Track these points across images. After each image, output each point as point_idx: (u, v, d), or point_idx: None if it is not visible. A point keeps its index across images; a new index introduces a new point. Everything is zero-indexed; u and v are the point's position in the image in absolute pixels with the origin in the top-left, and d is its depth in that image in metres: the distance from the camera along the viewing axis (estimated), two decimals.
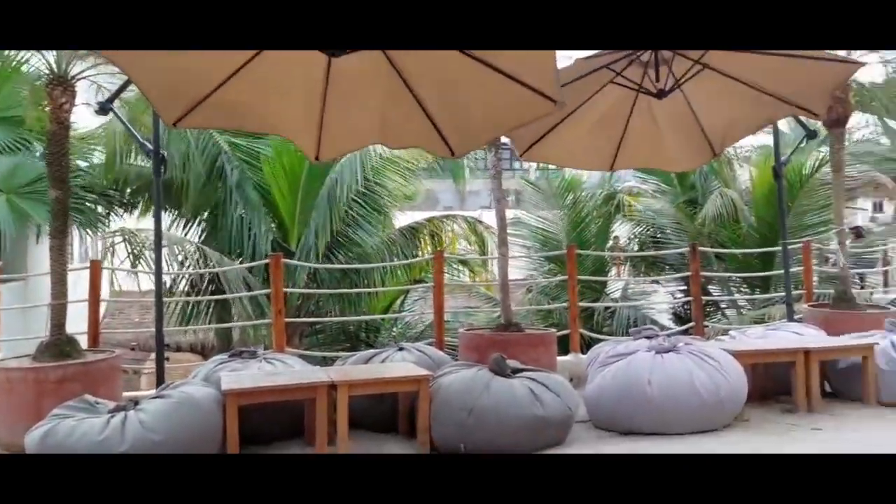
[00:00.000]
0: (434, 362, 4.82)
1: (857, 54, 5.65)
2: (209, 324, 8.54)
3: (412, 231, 9.47)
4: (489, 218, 8.39)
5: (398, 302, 9.66)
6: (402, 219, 10.38)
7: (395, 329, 9.38)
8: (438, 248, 8.84)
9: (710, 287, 10.03)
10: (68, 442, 3.46)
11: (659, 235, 10.52)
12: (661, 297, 10.46)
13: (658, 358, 4.48)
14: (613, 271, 11.89)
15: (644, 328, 5.24)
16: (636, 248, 10.88)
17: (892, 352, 4.92)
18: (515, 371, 4.34)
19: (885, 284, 10.13)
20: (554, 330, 5.72)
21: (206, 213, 9.15)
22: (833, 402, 4.98)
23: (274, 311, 5.31)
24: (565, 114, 5.00)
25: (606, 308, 9.05)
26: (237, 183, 8.60)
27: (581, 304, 8.28)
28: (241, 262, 8.48)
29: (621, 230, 11.71)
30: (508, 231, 10.17)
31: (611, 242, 11.67)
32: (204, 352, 9.62)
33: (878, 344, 4.97)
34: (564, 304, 6.54)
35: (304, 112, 4.54)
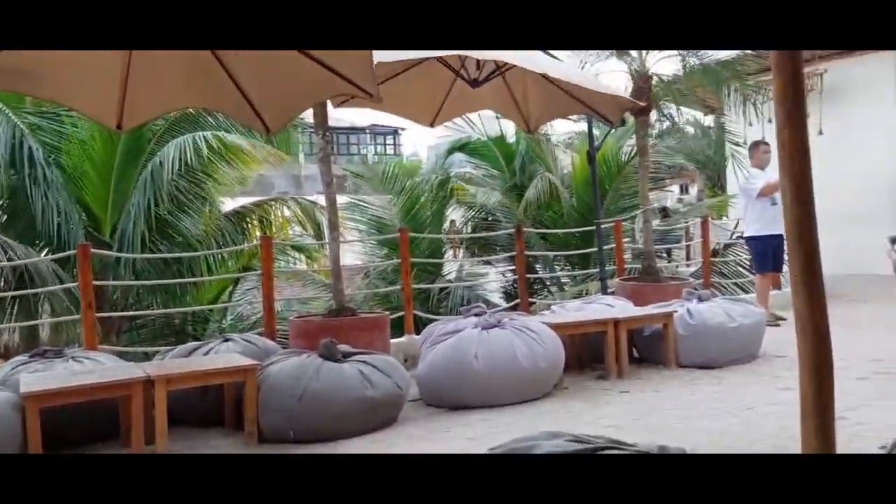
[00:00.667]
0: (262, 351, 4.70)
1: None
2: (13, 322, 7.74)
3: (239, 216, 9.10)
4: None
5: (227, 292, 9.28)
6: (232, 205, 9.96)
7: (225, 321, 9.02)
8: (267, 234, 8.58)
9: (536, 266, 10.60)
10: None
11: (490, 218, 10.95)
12: (493, 277, 10.90)
13: (484, 333, 4.67)
14: (449, 254, 12.23)
15: (473, 306, 5.43)
16: (469, 230, 11.24)
17: (689, 318, 5.47)
18: (346, 355, 4.33)
19: (688, 258, 11.20)
20: (387, 313, 5.78)
21: (1, 201, 8.24)
22: (640, 367, 5.46)
23: (83, 306, 4.91)
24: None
25: (442, 289, 9.28)
26: (40, 166, 7.80)
27: (416, 286, 8.43)
28: (47, 254, 7.74)
29: (456, 214, 12.04)
30: (345, 216, 10.14)
31: (447, 226, 11.98)
32: (7, 354, 8.70)
33: (676, 312, 5.51)
34: (400, 287, 6.61)
35: (104, 77, 4.21)
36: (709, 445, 3.41)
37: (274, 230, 9.42)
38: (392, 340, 5.84)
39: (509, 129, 11.98)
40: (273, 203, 9.79)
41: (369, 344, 4.84)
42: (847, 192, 10.73)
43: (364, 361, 4.24)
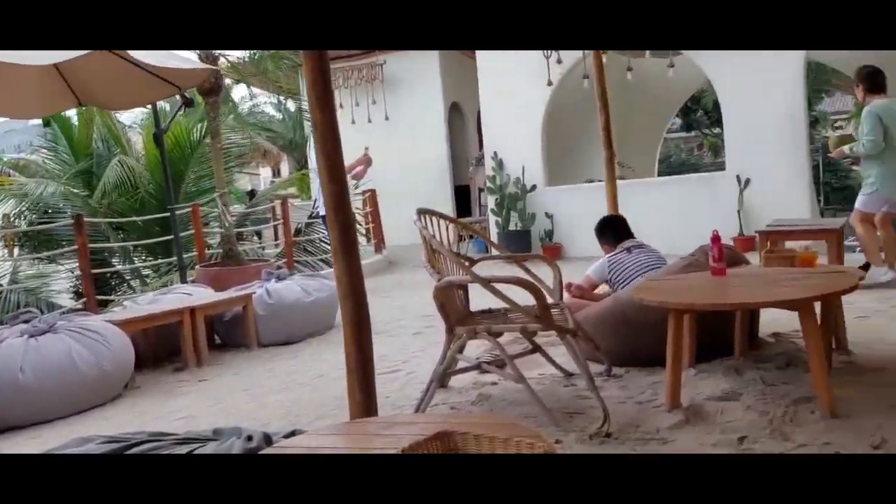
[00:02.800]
0: None
1: None
2: None
3: None
4: None
5: None
6: None
7: None
8: None
9: (114, 259, 9.68)
10: None
11: (51, 210, 9.59)
12: (62, 276, 9.62)
13: (32, 342, 4.09)
14: (3, 253, 10.41)
15: (21, 312, 4.70)
16: (23, 224, 9.70)
17: (267, 298, 5.59)
18: None
19: (276, 238, 11.43)
20: None
21: None
22: (222, 352, 5.40)
23: None
24: None
25: None
26: None
27: None
28: None
29: (6, 206, 10.26)
30: None
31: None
32: None
33: (254, 293, 5.58)
34: None
35: None
36: (279, 418, 3.52)
37: None
38: None
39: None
40: None
41: None
42: (411, 172, 12.18)
43: None
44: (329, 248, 9.33)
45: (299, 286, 5.78)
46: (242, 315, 5.43)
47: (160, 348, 5.19)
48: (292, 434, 2.35)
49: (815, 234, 5.47)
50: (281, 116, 25.77)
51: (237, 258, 6.89)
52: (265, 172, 28.97)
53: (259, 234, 12.25)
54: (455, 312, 3.33)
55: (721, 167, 10.04)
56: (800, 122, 8.22)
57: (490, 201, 9.85)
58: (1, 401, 3.84)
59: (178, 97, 6.44)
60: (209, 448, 1.86)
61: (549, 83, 9.11)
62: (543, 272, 3.69)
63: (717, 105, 9.90)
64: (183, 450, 1.84)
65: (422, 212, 3.39)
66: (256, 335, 5.46)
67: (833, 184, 23.08)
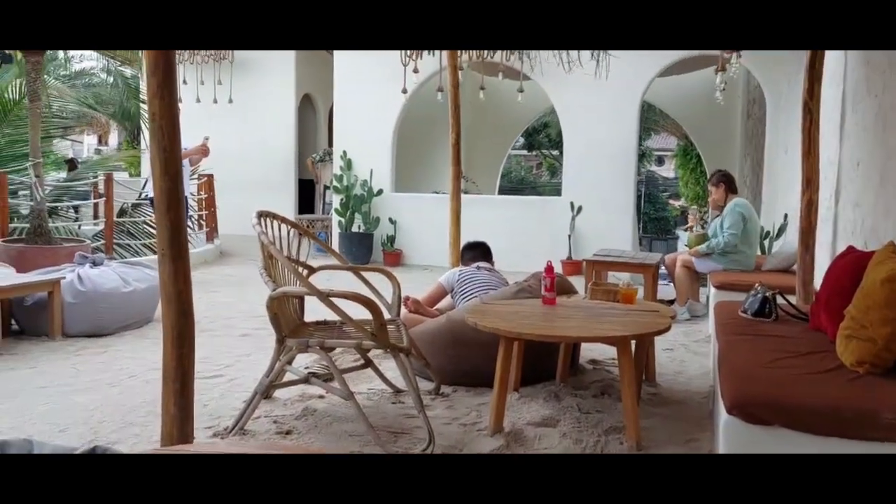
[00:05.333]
0: None
1: None
2: None
3: None
4: None
5: None
6: None
7: None
8: None
9: None
10: None
11: None
12: None
13: None
14: None
15: None
16: None
17: (79, 285, 5.09)
18: None
19: (96, 216, 10.49)
20: None
21: None
22: (20, 340, 4.84)
23: None
24: None
25: None
26: None
27: None
28: None
29: None
30: None
31: None
32: None
33: (65, 278, 5.06)
34: None
35: None
36: (80, 423, 3.21)
37: None
38: None
39: None
40: None
41: None
42: (254, 161, 11.70)
43: None
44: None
45: (117, 274, 5.33)
46: (48, 301, 4.90)
47: None
48: (92, 451, 2.13)
49: (635, 267, 5.91)
50: (112, 80, 23.78)
51: (47, 236, 6.23)
52: (90, 140, 26.65)
53: (76, 209, 11.19)
54: (288, 323, 3.21)
55: (557, 188, 10.61)
56: (631, 156, 8.88)
57: (335, 200, 9.70)
58: None
59: None
60: None
61: (404, 91, 9.14)
62: (381, 283, 3.67)
63: (559, 132, 10.46)
64: None
65: (262, 214, 3.24)
66: (62, 324, 4.96)
67: (651, 214, 25.28)
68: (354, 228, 9.34)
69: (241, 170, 11.35)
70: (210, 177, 10.36)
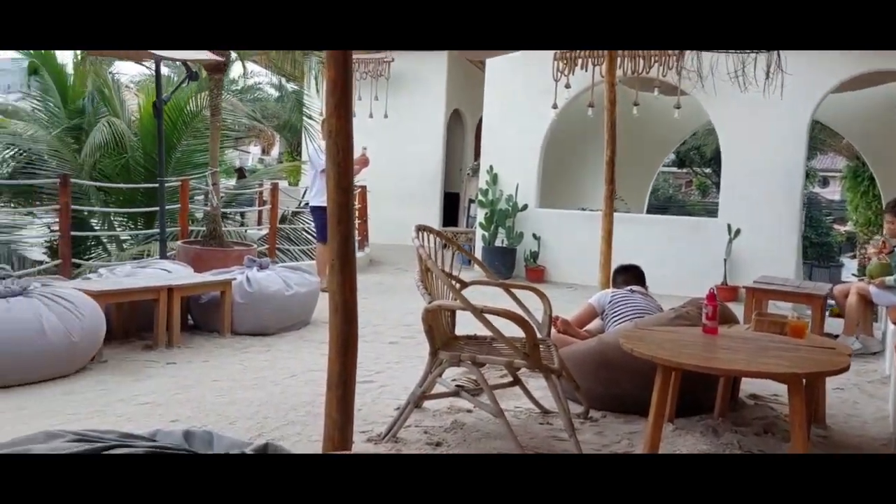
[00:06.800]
0: None
1: None
2: None
3: None
4: None
5: None
6: None
7: None
8: None
9: (93, 221, 9.48)
10: None
11: (36, 162, 9.36)
12: (37, 230, 9.39)
13: (3, 302, 3.96)
14: None
15: None
16: (6, 173, 9.45)
17: (247, 286, 5.48)
18: None
19: (259, 222, 11.28)
20: None
21: None
22: (194, 335, 5.28)
23: None
24: None
25: None
26: None
27: None
28: None
29: None
30: None
31: None
32: None
33: (235, 279, 5.47)
34: None
35: None
36: (246, 418, 3.44)
37: None
38: None
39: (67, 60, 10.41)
40: None
41: None
42: (404, 173, 12.10)
43: None
44: (313, 239, 9.15)
45: (281, 278, 5.68)
46: (220, 300, 5.32)
47: (131, 323, 5.07)
48: (264, 449, 2.28)
49: (802, 297, 5.50)
50: (277, 95, 25.47)
51: (220, 239, 6.77)
52: (255, 150, 28.67)
53: (242, 215, 12.09)
54: (440, 335, 3.28)
55: (707, 208, 10.12)
56: (797, 178, 8.30)
57: (479, 214, 9.81)
58: None
59: (181, 65, 6.31)
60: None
61: (555, 106, 9.10)
62: (531, 301, 3.65)
63: (717, 151, 9.97)
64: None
65: (420, 228, 3.33)
66: (231, 322, 5.36)
67: (812, 238, 23.42)
68: (497, 243, 9.39)
69: (390, 182, 11.76)
70: (363, 188, 10.83)
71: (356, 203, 10.71)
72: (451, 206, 12.82)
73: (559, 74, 8.95)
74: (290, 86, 19.53)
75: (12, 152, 9.63)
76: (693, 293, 4.67)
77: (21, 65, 12.85)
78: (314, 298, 5.97)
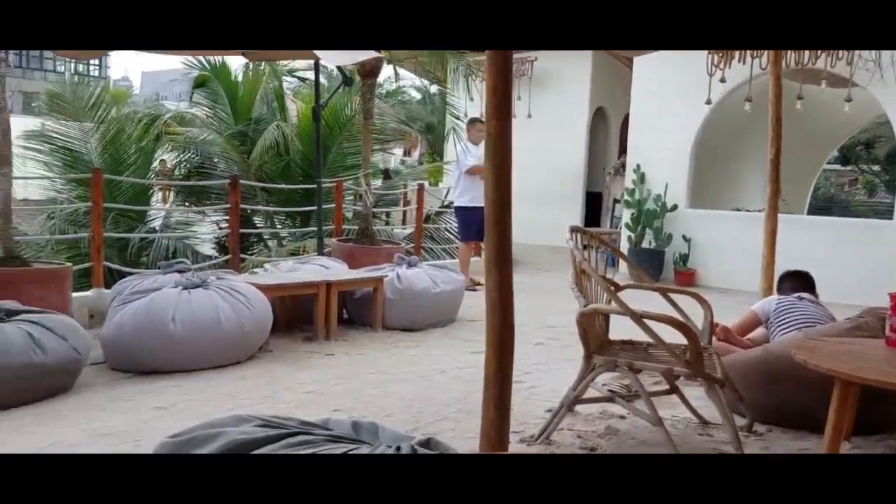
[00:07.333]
0: None
1: None
2: None
3: None
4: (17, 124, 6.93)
5: None
6: None
7: None
8: None
9: (255, 219, 10.20)
10: None
11: (207, 164, 10.22)
12: (206, 227, 10.25)
13: (185, 294, 4.35)
14: (157, 197, 11.20)
15: (175, 262, 5.02)
16: (182, 174, 10.39)
17: (397, 283, 5.67)
18: (10, 313, 3.72)
19: (404, 221, 11.65)
20: (69, 264, 5.08)
21: None
22: (348, 329, 5.54)
23: None
24: None
25: (142, 238, 8.45)
26: None
27: (112, 234, 7.58)
28: None
29: (169, 155, 11.03)
30: (27, 144, 8.68)
31: (156, 166, 10.92)
32: None
33: (387, 276, 5.68)
34: (90, 235, 5.84)
35: None
36: (401, 411, 3.56)
37: None
38: (76, 294, 5.18)
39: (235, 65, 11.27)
40: None
41: (43, 300, 4.22)
42: (544, 172, 12.02)
43: (34, 322, 3.68)
44: (454, 239, 9.24)
45: (428, 276, 5.83)
46: (372, 296, 5.54)
47: (293, 315, 5.40)
48: (427, 443, 2.34)
49: None
50: (419, 97, 26.11)
51: (372, 238, 7.05)
52: (396, 152, 29.59)
53: (387, 214, 12.53)
54: (595, 339, 3.22)
55: (876, 209, 9.25)
56: None
57: (625, 214, 9.55)
58: (151, 344, 4.11)
59: (336, 71, 6.62)
60: (363, 451, 1.88)
61: (709, 102, 8.67)
62: (688, 306, 3.50)
63: (894, 148, 9.09)
64: (337, 449, 1.86)
65: (575, 230, 3.29)
66: (382, 317, 5.57)
67: None
68: (644, 244, 9.10)
69: (532, 181, 11.70)
70: None
71: None
72: (594, 207, 12.57)
73: (713, 68, 8.52)
74: (434, 88, 19.99)
75: (187, 156, 10.58)
76: (865, 302, 4.28)
77: (189, 75, 13.94)
78: (460, 296, 6.07)
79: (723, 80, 8.52)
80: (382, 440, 2.20)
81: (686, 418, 3.51)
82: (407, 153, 28.91)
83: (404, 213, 11.84)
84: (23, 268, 4.55)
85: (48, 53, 34.24)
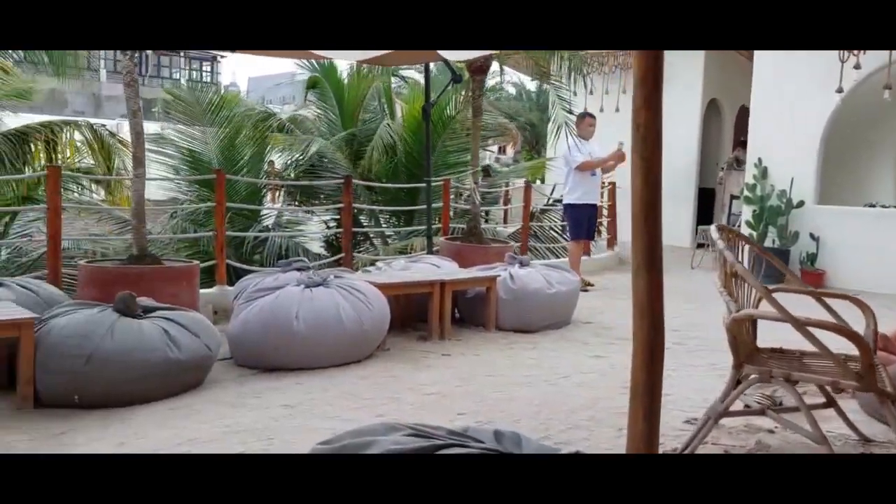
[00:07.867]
0: (43, 301, 4.06)
1: None
2: None
3: (20, 137, 7.74)
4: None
5: (2, 224, 8.00)
6: (13, 121, 8.54)
7: None
8: (53, 162, 7.44)
9: (361, 217, 10.33)
10: None
11: (317, 164, 10.44)
12: (315, 226, 10.47)
13: (307, 292, 4.38)
14: (268, 197, 11.55)
15: (294, 260, 5.09)
16: (292, 175, 10.66)
17: (510, 283, 5.54)
18: (146, 310, 3.85)
19: (505, 220, 11.51)
20: (197, 262, 5.25)
21: None
22: (461, 328, 5.45)
23: None
24: None
25: (255, 237, 8.71)
26: None
27: (231, 232, 7.83)
28: None
29: (280, 155, 11.35)
30: (150, 147, 9.11)
31: (266, 167, 11.27)
32: None
33: (500, 276, 5.56)
34: (213, 233, 6.03)
35: None
36: (529, 417, 3.43)
37: (61, 157, 8.15)
38: (200, 291, 5.34)
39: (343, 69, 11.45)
40: (64, 126, 8.44)
41: (174, 297, 4.36)
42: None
43: (168, 318, 3.79)
44: (562, 237, 9.02)
45: (542, 276, 5.67)
46: (485, 295, 5.44)
47: (406, 314, 5.37)
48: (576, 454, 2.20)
49: None
50: (515, 93, 25.86)
51: (480, 236, 6.95)
52: (492, 148, 29.48)
53: (487, 212, 12.41)
54: (744, 346, 2.98)
55: None
56: None
57: (746, 211, 9.02)
58: (276, 342, 4.17)
59: (435, 69, 6.55)
60: None
61: (840, 90, 8.05)
62: (844, 311, 3.18)
63: None
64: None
65: (722, 229, 3.05)
66: (496, 317, 5.45)
67: None
68: (768, 243, 8.57)
69: None
70: (612, 185, 10.53)
71: (606, 200, 10.47)
72: (706, 203, 12.00)
73: (846, 54, 7.89)
74: (531, 84, 19.74)
75: (297, 156, 10.84)
76: None
77: (296, 78, 14.33)
78: (575, 297, 5.88)
79: (857, 67, 7.89)
80: (525, 451, 2.08)
81: (843, 434, 3.20)
82: (502, 150, 28.73)
83: (505, 211, 11.69)
84: (155, 265, 4.72)
85: (164, 61, 36.30)
